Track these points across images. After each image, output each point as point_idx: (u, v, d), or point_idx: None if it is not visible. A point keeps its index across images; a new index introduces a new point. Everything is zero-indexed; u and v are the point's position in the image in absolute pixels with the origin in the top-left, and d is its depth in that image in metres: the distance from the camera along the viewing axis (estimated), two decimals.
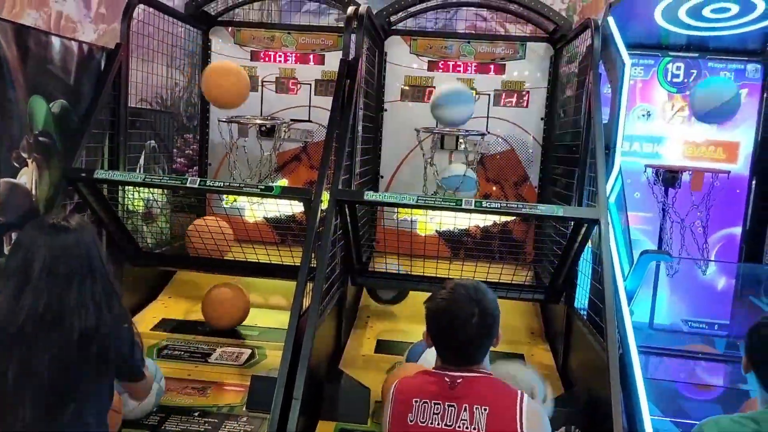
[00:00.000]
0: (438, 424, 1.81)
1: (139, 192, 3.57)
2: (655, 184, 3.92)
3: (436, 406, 1.83)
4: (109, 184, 3.16)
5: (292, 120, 4.39)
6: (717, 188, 3.86)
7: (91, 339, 1.78)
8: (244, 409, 2.79)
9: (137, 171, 3.74)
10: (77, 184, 3.00)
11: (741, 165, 4.03)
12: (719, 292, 4.07)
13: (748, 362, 1.81)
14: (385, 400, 1.99)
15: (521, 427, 1.78)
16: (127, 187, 3.41)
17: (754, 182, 4.03)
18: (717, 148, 4.05)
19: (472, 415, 1.80)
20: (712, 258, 4.07)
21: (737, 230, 4.09)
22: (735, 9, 3.42)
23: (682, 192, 3.89)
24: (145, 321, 3.60)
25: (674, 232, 3.99)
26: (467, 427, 1.79)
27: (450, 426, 1.80)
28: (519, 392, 1.86)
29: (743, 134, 4.01)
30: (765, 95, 3.98)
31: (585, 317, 3.10)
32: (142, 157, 3.83)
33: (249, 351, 3.32)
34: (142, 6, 3.67)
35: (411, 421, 1.85)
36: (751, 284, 3.89)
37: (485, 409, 1.80)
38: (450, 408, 1.82)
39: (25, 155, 2.91)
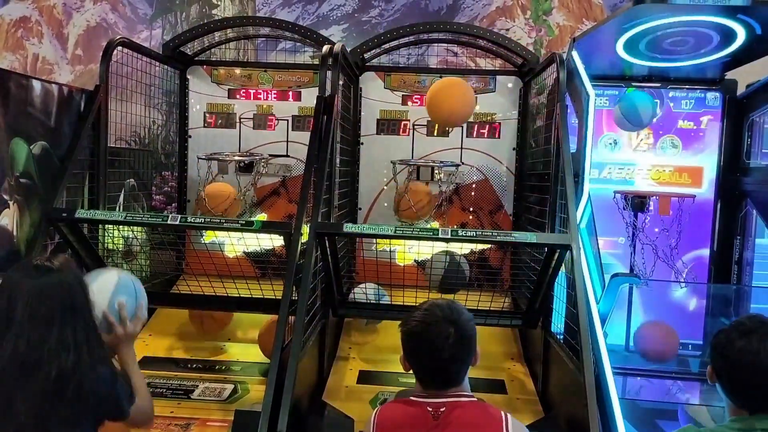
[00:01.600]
0: None
1: (119, 230, 3.59)
2: (624, 209, 4.04)
3: None
4: (90, 224, 3.19)
5: (270, 155, 4.47)
6: (685, 212, 3.99)
7: (68, 381, 1.78)
8: None
9: (117, 209, 3.77)
10: (58, 225, 3.03)
11: (705, 189, 4.18)
12: (691, 313, 4.18)
13: (712, 371, 1.85)
14: None
15: None
16: (107, 226, 3.43)
17: (719, 205, 4.18)
18: (682, 174, 4.20)
19: None
20: (683, 278, 4.18)
21: (705, 252, 4.22)
22: (692, 42, 3.59)
23: (651, 216, 4.02)
24: None
25: (646, 256, 4.10)
26: None
27: None
28: (503, 414, 1.85)
29: (707, 160, 4.17)
30: (725, 122, 4.15)
31: (562, 341, 3.17)
32: (122, 195, 3.86)
33: (231, 386, 3.33)
34: (120, 47, 3.74)
35: None
36: (721, 304, 4.00)
37: None
38: None
39: (6, 197, 2.94)
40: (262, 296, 3.40)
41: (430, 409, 1.82)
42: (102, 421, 1.97)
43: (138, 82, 4.06)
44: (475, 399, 1.91)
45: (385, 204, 4.46)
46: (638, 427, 3.05)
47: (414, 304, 3.31)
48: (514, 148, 4.40)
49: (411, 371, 1.95)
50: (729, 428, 1.76)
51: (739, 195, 4.08)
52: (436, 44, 4.71)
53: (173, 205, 4.85)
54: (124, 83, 3.90)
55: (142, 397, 2.19)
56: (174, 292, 3.89)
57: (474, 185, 4.43)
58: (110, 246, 3.61)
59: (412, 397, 1.91)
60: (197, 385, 3.32)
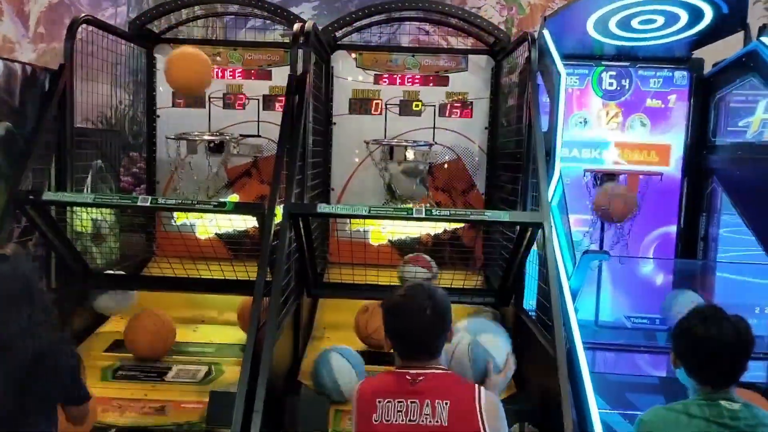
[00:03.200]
0: (402, 421, 1.90)
1: (87, 213, 3.53)
2: (593, 187, 4.10)
3: (399, 403, 1.92)
4: (58, 206, 3.13)
5: (240, 135, 4.41)
6: (651, 189, 4.06)
7: (43, 360, 1.82)
8: (204, 425, 2.79)
9: (85, 191, 3.70)
10: (25, 207, 2.96)
11: (673, 167, 4.25)
12: (658, 288, 4.27)
13: (675, 358, 2.00)
14: (351, 403, 2.07)
15: (481, 418, 1.89)
16: (75, 208, 3.37)
17: (685, 183, 4.26)
18: (650, 152, 4.26)
19: (434, 409, 1.89)
20: (650, 254, 4.28)
21: (673, 228, 4.31)
22: (660, 20, 3.64)
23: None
24: (98, 343, 3.56)
25: (614, 232, 4.17)
26: (430, 421, 1.89)
27: (414, 421, 1.90)
28: (476, 386, 1.99)
29: (674, 138, 4.24)
30: (692, 100, 4.22)
31: (534, 317, 3.22)
32: (90, 177, 3.79)
33: (206, 368, 3.32)
34: (84, 25, 3.64)
35: (376, 421, 1.92)
36: (687, 279, 4.10)
37: (446, 403, 1.90)
38: (412, 404, 1.91)
39: None
40: (235, 278, 3.39)
41: (409, 377, 1.95)
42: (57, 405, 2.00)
43: (103, 61, 3.96)
44: (451, 373, 2.05)
45: (359, 182, 4.46)
46: (609, 400, 3.12)
47: (388, 283, 3.40)
48: (486, 128, 4.42)
49: (392, 350, 2.06)
50: (694, 400, 1.93)
51: (705, 172, 4.16)
52: (408, 23, 4.68)
53: (142, 186, 4.78)
54: (89, 62, 3.80)
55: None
56: (145, 274, 3.84)
57: (447, 165, 4.45)
58: (79, 229, 3.55)
59: (393, 369, 2.05)
60: (171, 368, 3.31)
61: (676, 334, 2.00)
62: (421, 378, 1.94)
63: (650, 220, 4.23)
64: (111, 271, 3.78)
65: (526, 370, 3.24)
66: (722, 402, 1.86)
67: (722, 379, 1.91)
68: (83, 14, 3.70)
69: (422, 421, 1.89)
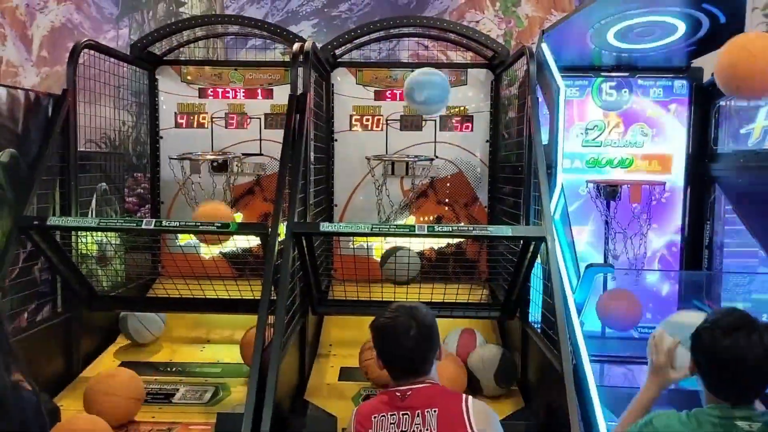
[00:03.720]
0: (395, 431, 2.04)
1: (92, 236, 3.55)
2: (596, 198, 4.09)
3: (392, 416, 2.06)
4: (62, 231, 3.14)
5: (243, 154, 4.44)
6: (655, 199, 4.05)
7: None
8: None
9: (89, 214, 3.72)
10: (29, 232, 2.98)
11: (675, 176, 4.24)
12: (664, 298, 4.26)
13: (694, 365, 1.90)
14: (348, 425, 2.22)
15: (469, 422, 2.02)
16: (80, 232, 3.39)
17: (689, 191, 4.25)
18: (652, 161, 4.26)
19: (424, 419, 2.03)
20: (656, 266, 4.26)
21: (677, 237, 4.30)
22: (659, 31, 3.65)
23: (623, 204, 4.08)
24: (104, 365, 3.56)
25: (619, 242, 4.16)
26: (421, 430, 2.02)
27: (405, 431, 2.03)
28: (463, 395, 2.12)
29: (675, 147, 4.24)
30: (692, 109, 4.22)
31: (539, 330, 3.22)
32: (94, 200, 3.81)
33: (213, 388, 3.32)
34: (86, 49, 3.67)
35: None
36: (693, 289, 4.08)
37: (435, 411, 2.03)
38: (404, 416, 2.05)
39: None
40: (240, 296, 3.40)
41: (398, 394, 2.11)
42: None
43: (106, 83, 4.00)
44: (437, 384, 2.18)
45: (361, 198, 4.47)
46: (616, 412, 3.09)
47: (392, 299, 3.39)
48: (487, 141, 4.43)
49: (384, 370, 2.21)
50: (709, 414, 1.80)
51: (707, 181, 4.15)
52: (406, 38, 4.71)
53: (146, 206, 4.80)
54: (91, 85, 3.84)
55: None
56: (150, 296, 3.85)
57: (448, 178, 4.46)
58: (84, 252, 3.57)
59: (386, 389, 2.20)
60: (178, 389, 3.31)
61: (695, 345, 1.86)
62: (409, 393, 2.08)
63: (655, 229, 4.22)
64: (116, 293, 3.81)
65: (532, 383, 3.25)
66: (739, 423, 1.73)
67: (744, 397, 1.78)
68: (85, 39, 3.73)
69: (414, 430, 2.02)
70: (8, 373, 1.72)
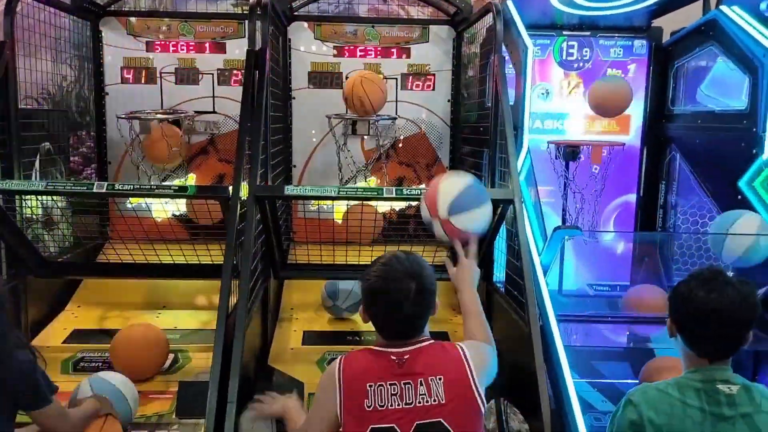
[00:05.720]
0: (398, 405, 1.80)
1: (37, 199, 3.34)
2: (556, 159, 4.11)
3: (392, 386, 1.82)
4: (6, 195, 2.94)
5: (196, 112, 4.25)
6: (613, 159, 4.10)
7: None
8: (174, 416, 2.71)
9: (33, 176, 3.50)
10: None
11: (633, 136, 4.29)
12: (619, 256, 4.35)
13: (672, 324, 1.89)
14: (327, 385, 1.90)
15: (473, 379, 1.84)
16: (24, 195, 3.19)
17: (645, 152, 4.31)
18: (611, 122, 4.29)
19: (429, 388, 1.81)
20: (611, 225, 4.34)
21: (632, 197, 4.38)
22: None
23: (582, 164, 4.11)
24: (55, 334, 3.40)
25: (577, 202, 4.21)
26: (427, 401, 1.81)
27: (411, 404, 1.80)
28: (459, 347, 1.91)
29: (634, 107, 4.27)
30: (651, 70, 4.25)
31: (503, 291, 3.23)
32: (37, 160, 3.58)
33: (171, 356, 3.21)
34: None
35: (369, 407, 1.81)
36: (647, 247, 4.18)
37: (440, 378, 1.82)
38: (406, 385, 1.81)
39: None
40: (197, 260, 3.29)
41: (394, 358, 1.85)
42: (16, 411, 1.92)
43: (44, 35, 3.72)
44: (432, 341, 1.94)
45: (321, 159, 4.36)
46: (577, 370, 3.16)
47: (357, 262, 3.34)
48: (449, 100, 4.37)
49: (369, 323, 1.97)
50: (689, 380, 1.82)
51: (664, 141, 4.22)
52: None
53: (92, 166, 4.56)
54: (27, 37, 3.56)
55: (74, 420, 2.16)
56: (101, 261, 3.68)
57: (410, 138, 4.39)
58: (28, 215, 3.37)
59: (375, 348, 1.93)
60: None
61: (673, 299, 1.88)
62: (407, 357, 1.85)
63: (611, 189, 4.28)
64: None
65: (497, 342, 3.26)
66: (720, 386, 1.77)
67: (722, 351, 1.81)
68: None
69: (419, 401, 1.80)
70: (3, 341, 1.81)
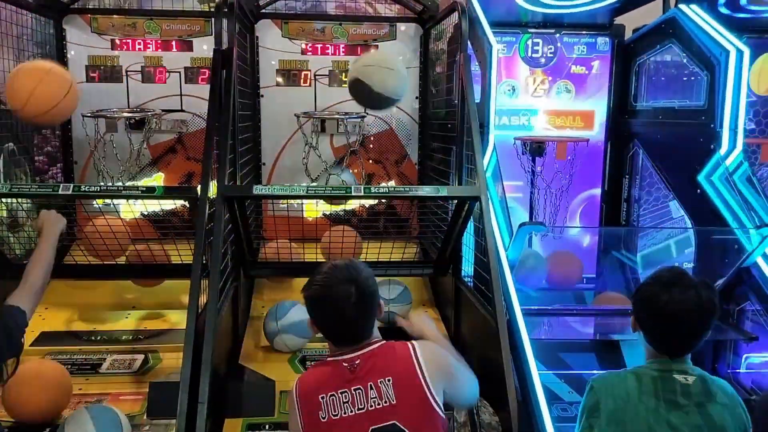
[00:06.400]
0: (351, 411, 1.84)
1: (2, 201, 3.29)
2: (523, 154, 4.18)
3: (343, 394, 1.86)
4: None
5: (163, 110, 4.22)
6: (578, 154, 4.18)
7: None
8: (145, 417, 2.71)
9: None
10: None
11: (597, 132, 4.38)
12: (585, 249, 4.45)
13: (635, 321, 1.98)
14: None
15: (423, 378, 1.87)
16: None
17: (609, 147, 4.40)
18: (576, 117, 4.37)
19: (379, 390, 1.85)
20: (577, 219, 4.43)
21: (597, 191, 4.47)
22: None
23: (548, 160, 4.19)
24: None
25: (543, 197, 4.29)
26: (379, 404, 1.84)
27: (363, 409, 1.84)
28: (409, 345, 1.95)
29: (597, 103, 4.36)
30: (614, 66, 4.33)
31: (471, 285, 3.28)
32: (1, 161, 3.52)
33: (142, 356, 3.21)
34: None
35: (324, 419, 1.85)
36: (613, 241, 4.28)
37: (389, 380, 1.86)
38: (357, 391, 1.86)
39: None
40: (166, 260, 3.28)
41: (346, 365, 1.90)
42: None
43: (5, 34, 3.66)
44: (383, 342, 1.98)
45: (290, 157, 4.36)
46: (543, 361, 3.24)
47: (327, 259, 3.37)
48: (417, 97, 4.40)
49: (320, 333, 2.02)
50: (649, 368, 1.91)
51: (627, 136, 4.32)
52: None
53: (58, 165, 4.50)
54: None
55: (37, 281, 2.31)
56: (69, 262, 3.64)
57: (379, 135, 4.42)
58: None
59: (328, 358, 1.98)
60: (104, 358, 3.18)
61: (636, 299, 1.96)
62: (357, 362, 1.89)
63: (577, 183, 4.37)
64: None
65: (465, 337, 3.33)
66: (676, 376, 1.84)
67: (681, 349, 1.88)
68: None
69: (371, 405, 1.84)
70: None
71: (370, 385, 1.86)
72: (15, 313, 2.13)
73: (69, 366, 3.06)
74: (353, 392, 1.86)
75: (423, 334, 2.29)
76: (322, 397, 1.87)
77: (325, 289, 1.92)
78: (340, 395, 1.86)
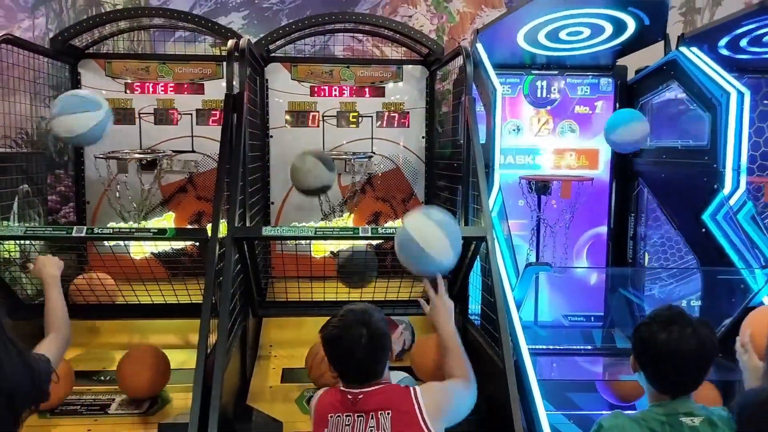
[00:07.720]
0: None
1: (16, 242, 3.35)
2: (528, 193, 4.21)
3: (347, 417, 2.06)
4: None
5: (174, 151, 4.30)
6: (583, 193, 4.22)
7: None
8: None
9: (12, 219, 3.51)
10: None
11: (602, 171, 4.42)
12: (592, 287, 4.45)
13: (635, 362, 1.97)
14: (311, 416, 2.22)
15: (423, 420, 2.03)
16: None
17: (614, 185, 4.44)
18: (581, 156, 4.42)
19: (378, 421, 2.03)
20: (584, 256, 4.44)
21: (603, 229, 4.49)
22: (587, 32, 3.78)
23: (554, 198, 4.22)
24: None
25: (548, 235, 4.32)
26: None
27: None
28: (411, 389, 2.11)
29: (602, 142, 4.40)
30: (617, 106, 4.39)
31: (478, 325, 3.29)
32: (15, 203, 3.60)
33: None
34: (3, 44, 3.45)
35: None
36: (620, 279, 4.28)
37: (388, 413, 2.04)
38: (359, 418, 2.05)
39: None
40: (176, 299, 3.31)
41: (350, 397, 2.09)
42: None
43: (21, 79, 3.77)
44: (388, 384, 2.17)
45: (298, 196, 4.40)
46: (551, 401, 3.22)
47: (334, 299, 3.40)
48: (423, 136, 4.48)
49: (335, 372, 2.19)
50: (654, 413, 1.89)
51: (631, 175, 4.35)
52: (341, 33, 4.67)
53: (70, 204, 4.58)
54: (7, 81, 3.61)
55: (60, 330, 2.31)
56: (79, 303, 3.68)
57: (386, 174, 4.48)
58: (6, 257, 3.37)
59: (339, 387, 2.18)
60: (113, 399, 3.18)
61: (636, 339, 1.96)
62: (360, 397, 2.07)
63: (582, 222, 4.39)
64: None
65: (476, 378, 3.31)
66: (683, 419, 1.83)
67: (681, 389, 1.88)
68: (2, 33, 3.50)
69: None
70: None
71: (372, 415, 2.04)
72: (41, 361, 2.11)
73: (78, 407, 3.08)
74: (356, 417, 2.06)
75: (437, 323, 2.48)
76: (331, 416, 2.08)
77: (338, 330, 2.11)
78: (344, 417, 2.07)
